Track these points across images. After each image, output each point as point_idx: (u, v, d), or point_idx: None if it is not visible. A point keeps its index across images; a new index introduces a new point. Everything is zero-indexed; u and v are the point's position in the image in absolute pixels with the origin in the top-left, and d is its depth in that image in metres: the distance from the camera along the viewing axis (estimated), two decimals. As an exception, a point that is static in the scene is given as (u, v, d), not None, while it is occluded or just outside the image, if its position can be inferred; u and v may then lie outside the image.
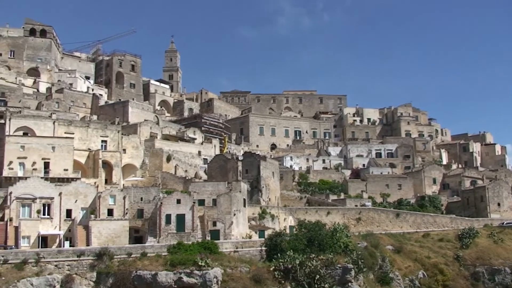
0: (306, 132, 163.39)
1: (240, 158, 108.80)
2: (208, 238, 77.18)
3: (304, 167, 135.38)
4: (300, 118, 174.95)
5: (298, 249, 72.19)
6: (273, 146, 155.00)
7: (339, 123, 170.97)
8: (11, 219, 74.00)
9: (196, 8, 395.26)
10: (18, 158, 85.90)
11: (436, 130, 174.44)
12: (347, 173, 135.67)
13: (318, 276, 68.43)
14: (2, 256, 62.85)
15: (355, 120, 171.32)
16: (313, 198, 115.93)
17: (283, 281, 68.03)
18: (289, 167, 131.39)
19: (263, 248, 75.45)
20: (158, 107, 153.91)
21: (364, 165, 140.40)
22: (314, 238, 76.16)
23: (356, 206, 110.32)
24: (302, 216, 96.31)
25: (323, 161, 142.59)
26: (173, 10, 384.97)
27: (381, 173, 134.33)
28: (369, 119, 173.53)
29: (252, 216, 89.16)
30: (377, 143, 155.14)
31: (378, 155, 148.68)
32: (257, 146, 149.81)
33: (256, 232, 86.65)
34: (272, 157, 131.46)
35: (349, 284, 71.36)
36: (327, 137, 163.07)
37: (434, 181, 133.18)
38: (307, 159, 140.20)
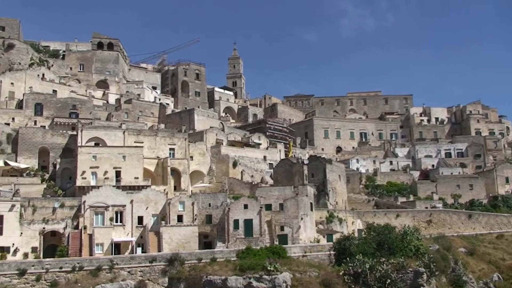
0: (372, 133, 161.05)
1: (306, 162, 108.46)
2: (276, 242, 77.22)
3: (371, 169, 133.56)
4: (365, 119, 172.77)
5: (367, 253, 71.15)
6: (339, 149, 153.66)
7: (406, 123, 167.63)
8: (85, 227, 76.35)
9: (258, 14, 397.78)
10: (91, 167, 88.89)
11: (507, 127, 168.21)
12: (416, 174, 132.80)
13: (389, 281, 67.19)
14: (78, 263, 65.12)
15: (422, 120, 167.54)
16: (381, 200, 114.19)
17: (353, 286, 67.24)
18: (355, 169, 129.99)
19: (332, 252, 74.88)
20: (223, 114, 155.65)
21: (433, 165, 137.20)
22: (384, 241, 74.89)
23: (426, 208, 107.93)
24: (370, 219, 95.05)
25: (391, 162, 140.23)
26: (235, 17, 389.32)
27: (451, 173, 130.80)
28: (437, 119, 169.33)
29: (319, 220, 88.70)
30: (446, 143, 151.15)
31: (448, 155, 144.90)
32: (322, 149, 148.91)
33: (324, 236, 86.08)
34: (338, 160, 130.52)
35: (421, 288, 69.81)
36: (393, 138, 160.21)
37: (507, 180, 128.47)
38: (374, 161, 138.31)
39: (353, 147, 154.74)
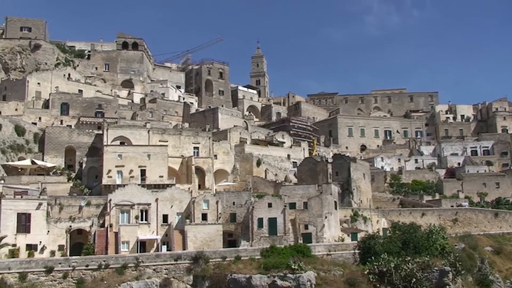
0: (397, 131, 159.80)
1: (330, 160, 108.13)
2: (300, 241, 77.08)
3: (395, 167, 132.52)
4: (390, 117, 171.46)
5: (392, 251, 70.76)
6: (363, 147, 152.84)
7: (431, 121, 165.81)
8: (111, 225, 77.17)
9: (282, 12, 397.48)
10: (116, 166, 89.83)
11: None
12: (441, 172, 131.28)
13: (414, 280, 66.75)
14: (104, 261, 65.75)
15: (447, 118, 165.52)
16: (407, 199, 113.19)
17: (378, 285, 66.96)
18: (380, 168, 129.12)
19: (356, 251, 74.56)
20: (246, 113, 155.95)
21: (459, 163, 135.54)
22: (409, 240, 74.37)
23: (452, 206, 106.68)
24: (395, 218, 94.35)
25: (416, 161, 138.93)
26: (259, 15, 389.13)
27: (478, 171, 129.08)
28: (462, 116, 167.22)
29: (343, 218, 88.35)
30: (472, 141, 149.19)
31: (474, 152, 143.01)
32: (346, 147, 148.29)
33: (348, 235, 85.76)
34: (362, 158, 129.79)
35: (447, 287, 69.14)
36: (418, 136, 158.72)
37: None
38: (399, 159, 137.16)
39: (378, 145, 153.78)
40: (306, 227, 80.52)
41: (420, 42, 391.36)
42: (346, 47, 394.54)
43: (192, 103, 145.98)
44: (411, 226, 79.63)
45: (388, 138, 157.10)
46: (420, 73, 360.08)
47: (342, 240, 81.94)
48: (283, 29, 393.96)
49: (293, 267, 65.16)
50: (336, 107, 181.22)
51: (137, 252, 73.63)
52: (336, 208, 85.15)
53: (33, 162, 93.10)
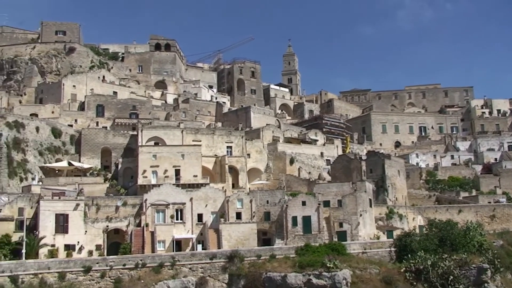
0: (432, 127, 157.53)
1: (364, 157, 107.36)
2: (335, 239, 76.92)
3: (431, 164, 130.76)
4: (424, 113, 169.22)
5: (429, 249, 70.11)
6: (397, 144, 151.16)
7: (467, 116, 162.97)
8: (147, 225, 78.03)
9: (312, 10, 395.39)
10: (151, 166, 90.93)
11: None
12: (478, 168, 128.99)
13: (451, 277, 66.02)
14: (141, 260, 66.53)
15: (483, 112, 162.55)
16: (443, 196, 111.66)
17: (414, 283, 66.35)
18: (415, 164, 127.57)
19: (392, 249, 74.07)
20: (279, 111, 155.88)
21: (496, 159, 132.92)
22: (446, 237, 73.56)
23: (489, 202, 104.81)
24: (431, 215, 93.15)
25: (452, 157, 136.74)
26: (289, 14, 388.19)
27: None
28: (498, 111, 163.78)
29: (379, 216, 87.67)
30: (509, 135, 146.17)
31: (511, 148, 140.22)
32: (380, 144, 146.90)
33: (384, 233, 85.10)
34: (396, 155, 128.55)
35: (485, 285, 68.28)
36: (454, 132, 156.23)
37: None
38: (434, 156, 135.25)
39: (412, 142, 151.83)
40: (340, 225, 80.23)
41: (454, 36, 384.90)
42: (379, 43, 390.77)
43: (224, 102, 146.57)
44: (448, 223, 78.74)
45: (423, 134, 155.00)
46: (455, 68, 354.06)
47: (378, 238, 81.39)
48: (314, 26, 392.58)
49: (328, 265, 65.01)
50: (369, 104, 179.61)
51: (173, 251, 74.16)
52: (371, 206, 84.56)
53: (70, 164, 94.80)
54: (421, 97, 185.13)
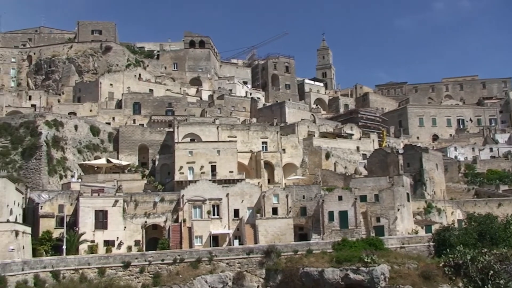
0: (470, 120, 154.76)
1: (401, 151, 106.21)
2: (372, 234, 76.29)
3: (469, 157, 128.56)
4: (462, 105, 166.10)
5: (468, 243, 68.88)
6: (435, 137, 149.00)
7: (505, 108, 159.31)
8: (184, 220, 78.84)
9: (346, 3, 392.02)
10: (188, 163, 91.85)
11: None
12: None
13: (491, 272, 64.63)
14: (179, 255, 67.19)
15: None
16: (482, 189, 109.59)
17: (454, 278, 65.24)
18: (453, 158, 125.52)
19: (431, 243, 73.12)
20: (313, 106, 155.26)
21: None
22: (486, 231, 72.20)
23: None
24: (470, 209, 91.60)
25: (491, 149, 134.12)
26: (323, 7, 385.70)
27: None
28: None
29: (417, 210, 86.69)
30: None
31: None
32: (418, 138, 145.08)
33: (422, 227, 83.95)
34: (434, 148, 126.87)
35: (527, 279, 66.59)
36: (493, 124, 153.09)
37: None
38: (473, 149, 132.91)
39: (450, 135, 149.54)
40: (378, 219, 79.60)
41: (491, 27, 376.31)
42: (415, 35, 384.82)
43: (259, 98, 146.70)
44: (487, 217, 77.32)
45: (461, 126, 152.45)
46: (493, 59, 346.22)
47: (416, 232, 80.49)
48: (348, 20, 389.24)
49: (366, 260, 64.53)
50: (405, 97, 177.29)
51: (210, 246, 74.89)
52: (408, 200, 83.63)
53: (108, 161, 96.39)
54: (459, 89, 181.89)
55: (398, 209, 79.81)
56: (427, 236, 76.31)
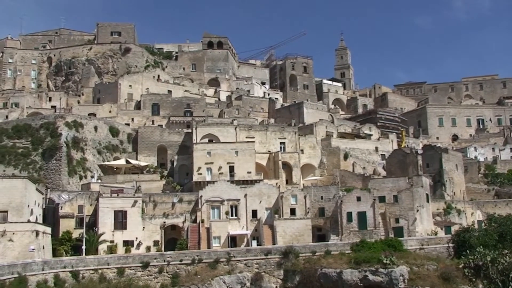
0: (490, 119, 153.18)
1: (420, 151, 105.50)
2: (391, 235, 75.92)
3: (490, 157, 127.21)
4: (482, 105, 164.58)
5: (488, 245, 68.14)
6: (454, 137, 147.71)
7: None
8: (203, 221, 79.06)
9: (364, 3, 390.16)
10: (206, 163, 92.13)
11: None
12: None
13: (512, 274, 64.02)
14: (197, 256, 67.42)
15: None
16: (503, 190, 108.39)
17: (474, 279, 64.59)
18: (473, 158, 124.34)
19: (451, 244, 72.51)
20: (332, 106, 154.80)
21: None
22: (506, 232, 71.42)
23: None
24: (491, 210, 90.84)
25: (511, 149, 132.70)
26: (341, 7, 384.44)
27: None
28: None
29: (436, 211, 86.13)
30: None
31: None
32: (437, 138, 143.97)
33: (441, 228, 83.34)
34: (454, 148, 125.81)
35: (549, 282, 65.69)
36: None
37: None
38: (493, 149, 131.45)
39: (470, 135, 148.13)
40: (397, 220, 79.23)
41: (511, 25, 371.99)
42: (434, 34, 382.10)
43: (277, 98, 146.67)
44: (508, 218, 76.64)
45: (481, 126, 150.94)
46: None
47: (435, 233, 79.93)
48: (366, 19, 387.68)
49: (384, 261, 64.18)
50: (424, 97, 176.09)
51: (228, 247, 75.00)
52: (428, 201, 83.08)
53: (127, 162, 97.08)
54: (479, 89, 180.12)
55: (418, 210, 79.32)
56: (446, 237, 75.72)
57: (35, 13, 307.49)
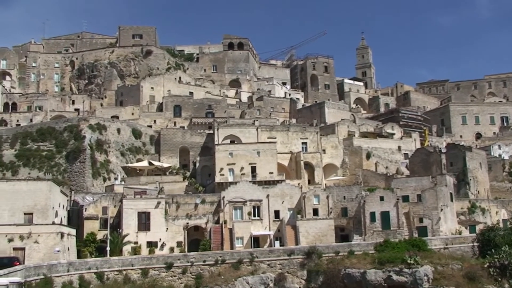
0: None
1: (443, 150, 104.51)
2: (415, 235, 75.38)
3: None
4: (506, 102, 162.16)
5: (514, 244, 67.35)
6: (478, 135, 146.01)
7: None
8: (225, 222, 79.28)
9: (385, 2, 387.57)
10: (228, 164, 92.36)
11: None
12: None
13: (539, 273, 63.11)
14: (220, 257, 67.50)
15: None
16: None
17: (499, 279, 63.72)
18: (497, 156, 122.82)
19: (475, 244, 71.70)
20: (353, 105, 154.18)
21: None
22: (532, 231, 70.50)
23: None
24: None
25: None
26: (361, 6, 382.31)
27: None
28: None
29: (460, 210, 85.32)
30: None
31: None
32: (461, 136, 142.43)
33: (466, 228, 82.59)
34: (477, 147, 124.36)
35: None
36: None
37: None
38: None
39: (494, 133, 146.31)
40: (420, 220, 78.66)
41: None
42: (456, 32, 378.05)
43: (298, 98, 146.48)
44: (534, 217, 75.51)
45: (505, 124, 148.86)
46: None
47: (460, 233, 79.15)
48: (388, 17, 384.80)
49: (408, 261, 63.61)
50: (447, 95, 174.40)
51: (251, 248, 75.03)
52: (452, 200, 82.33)
53: (150, 163, 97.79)
54: (502, 86, 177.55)
55: (441, 209, 78.64)
56: (471, 236, 74.94)
57: (57, 17, 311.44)
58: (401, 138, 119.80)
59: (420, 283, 62.13)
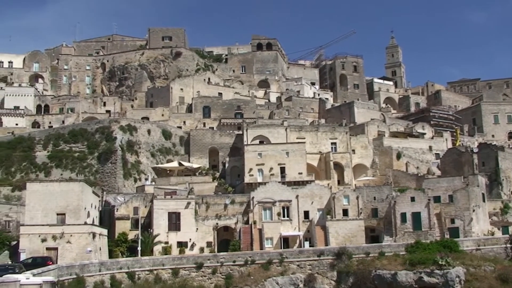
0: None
1: (475, 150, 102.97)
2: (447, 236, 74.45)
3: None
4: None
5: (549, 245, 66.18)
6: (510, 135, 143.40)
7: None
8: (255, 222, 79.40)
9: (415, 0, 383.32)
10: (257, 165, 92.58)
11: None
12: None
13: None
14: (250, 257, 67.73)
15: None
16: None
17: (533, 281, 62.82)
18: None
19: (508, 245, 70.73)
20: (383, 105, 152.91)
21: None
22: None
23: None
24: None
25: None
26: (391, 4, 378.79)
27: None
28: None
29: (493, 211, 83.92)
30: None
31: None
32: (493, 136, 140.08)
33: (499, 229, 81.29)
34: (510, 146, 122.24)
35: None
36: None
37: None
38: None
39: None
40: (452, 221, 77.71)
41: None
42: (488, 29, 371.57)
43: (327, 98, 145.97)
44: None
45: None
46: None
47: (492, 234, 77.99)
48: (418, 15, 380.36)
49: (440, 263, 63.03)
50: (479, 94, 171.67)
51: (281, 248, 75.01)
52: (484, 201, 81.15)
53: (180, 164, 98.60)
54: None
55: (474, 210, 77.56)
56: (504, 237, 73.91)
57: (88, 20, 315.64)
58: (432, 138, 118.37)
59: (452, 285, 61.59)
